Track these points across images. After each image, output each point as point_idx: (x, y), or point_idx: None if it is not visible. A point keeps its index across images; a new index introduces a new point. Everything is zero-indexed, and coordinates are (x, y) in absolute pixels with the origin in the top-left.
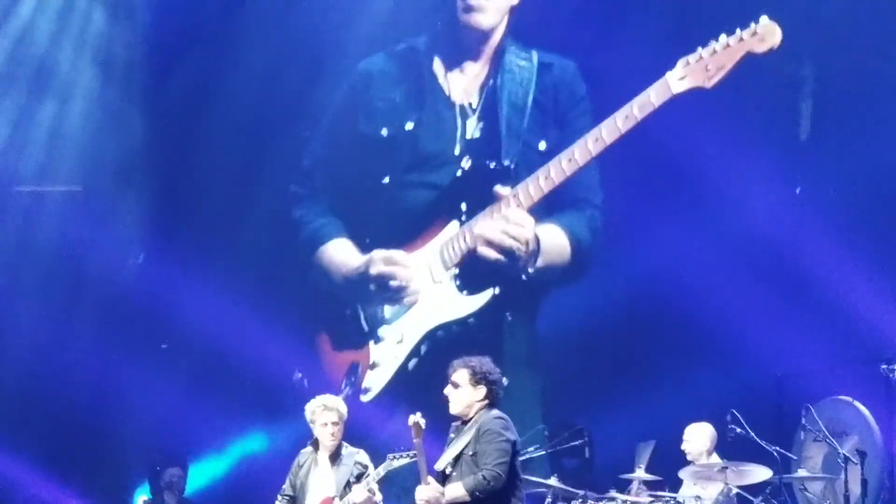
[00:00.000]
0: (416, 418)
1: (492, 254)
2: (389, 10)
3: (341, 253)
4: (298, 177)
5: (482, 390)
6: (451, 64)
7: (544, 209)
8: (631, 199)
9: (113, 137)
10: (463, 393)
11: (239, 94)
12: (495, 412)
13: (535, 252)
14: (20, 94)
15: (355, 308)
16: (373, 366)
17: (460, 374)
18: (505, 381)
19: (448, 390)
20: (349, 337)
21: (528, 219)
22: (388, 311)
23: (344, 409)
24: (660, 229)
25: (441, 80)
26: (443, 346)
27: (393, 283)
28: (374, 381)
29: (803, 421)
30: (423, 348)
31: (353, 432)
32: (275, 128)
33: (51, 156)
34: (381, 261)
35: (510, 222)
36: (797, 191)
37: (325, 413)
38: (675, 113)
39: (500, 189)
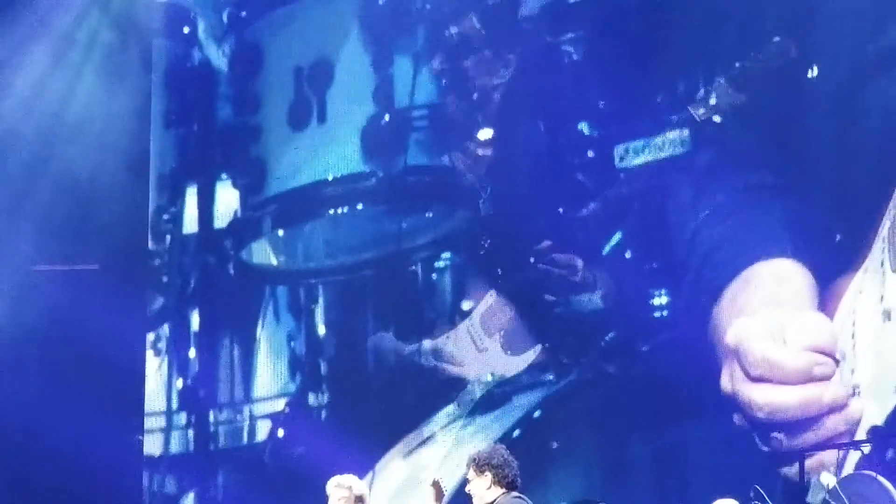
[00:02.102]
0: (436, 478)
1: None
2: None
3: (385, 343)
4: (325, 272)
5: (487, 476)
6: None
7: None
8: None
9: (130, 214)
10: (474, 485)
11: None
12: (513, 495)
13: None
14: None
15: (406, 388)
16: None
17: (468, 471)
18: (554, 444)
19: (467, 489)
20: (403, 417)
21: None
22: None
23: (358, 486)
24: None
25: (456, 160)
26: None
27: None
28: (431, 455)
29: (827, 496)
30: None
31: None
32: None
33: (69, 233)
34: (430, 353)
35: (556, 265)
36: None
37: (336, 490)
38: None
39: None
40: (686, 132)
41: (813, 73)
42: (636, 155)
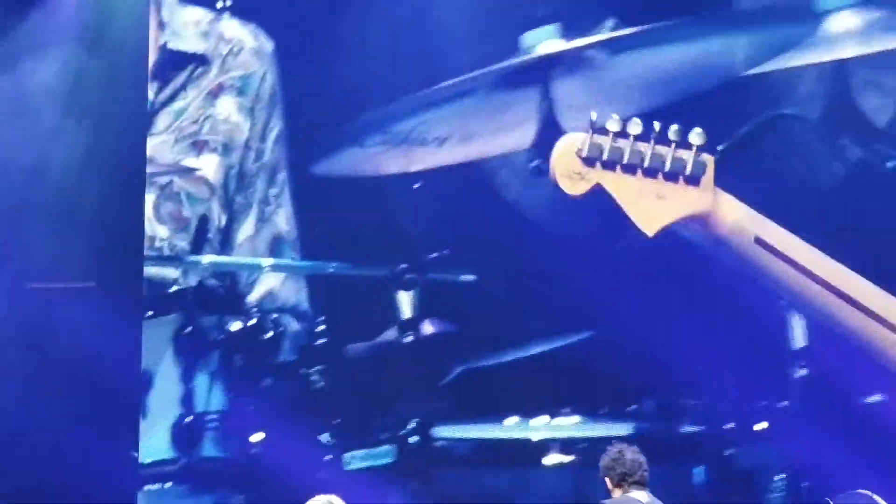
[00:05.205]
0: None
1: None
2: None
3: None
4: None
5: (607, 481)
6: None
7: None
8: None
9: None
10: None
11: None
12: (621, 494)
13: None
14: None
15: None
16: None
17: None
18: None
19: None
20: None
21: None
22: None
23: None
24: None
25: None
26: None
27: None
28: None
29: None
30: None
31: None
32: None
33: (61, 250)
34: None
35: None
36: None
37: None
38: None
39: None
40: None
41: None
42: None
